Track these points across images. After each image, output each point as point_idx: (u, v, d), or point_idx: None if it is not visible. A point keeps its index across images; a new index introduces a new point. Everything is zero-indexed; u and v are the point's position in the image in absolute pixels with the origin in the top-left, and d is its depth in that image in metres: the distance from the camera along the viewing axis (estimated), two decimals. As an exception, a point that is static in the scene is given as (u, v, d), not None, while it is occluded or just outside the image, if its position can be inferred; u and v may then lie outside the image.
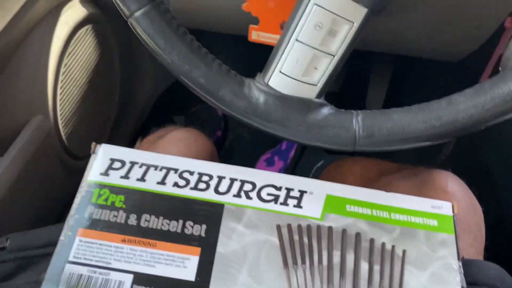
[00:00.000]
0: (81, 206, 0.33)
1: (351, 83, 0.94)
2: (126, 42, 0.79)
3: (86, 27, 0.65)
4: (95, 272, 0.31)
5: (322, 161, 0.67)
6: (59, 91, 0.60)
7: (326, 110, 0.36)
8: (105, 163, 0.35)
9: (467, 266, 0.37)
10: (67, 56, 0.61)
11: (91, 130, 0.73)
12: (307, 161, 0.74)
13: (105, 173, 0.34)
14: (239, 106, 0.36)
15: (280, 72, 0.35)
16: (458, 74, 0.75)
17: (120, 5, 0.33)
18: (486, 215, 0.45)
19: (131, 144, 0.58)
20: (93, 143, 0.36)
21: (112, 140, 0.82)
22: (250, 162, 0.87)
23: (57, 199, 0.66)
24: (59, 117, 0.61)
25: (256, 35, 0.53)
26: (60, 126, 0.62)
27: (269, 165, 0.82)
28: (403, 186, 0.46)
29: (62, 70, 0.60)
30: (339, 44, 0.34)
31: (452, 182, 0.44)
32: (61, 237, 0.32)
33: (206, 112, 0.95)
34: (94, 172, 0.35)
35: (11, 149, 0.54)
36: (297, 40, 0.34)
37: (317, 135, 0.36)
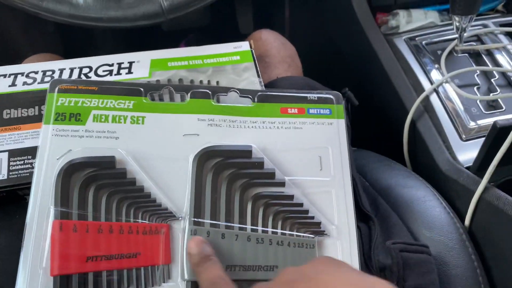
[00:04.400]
0: None
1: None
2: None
3: None
4: None
5: None
6: None
7: None
8: None
9: (278, 81, 0.48)
10: None
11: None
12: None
13: None
14: (64, 11, 0.43)
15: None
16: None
17: None
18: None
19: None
20: None
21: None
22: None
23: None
24: None
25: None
26: None
27: None
28: None
29: None
30: None
31: (265, 33, 0.55)
32: None
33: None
34: None
35: None
36: None
37: (132, 17, 0.44)
